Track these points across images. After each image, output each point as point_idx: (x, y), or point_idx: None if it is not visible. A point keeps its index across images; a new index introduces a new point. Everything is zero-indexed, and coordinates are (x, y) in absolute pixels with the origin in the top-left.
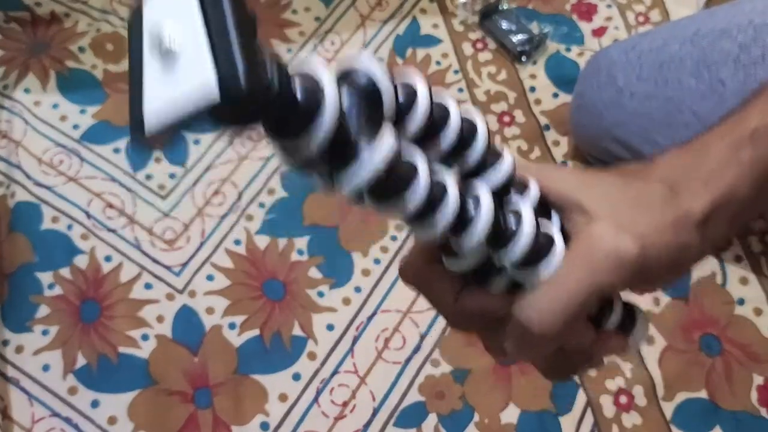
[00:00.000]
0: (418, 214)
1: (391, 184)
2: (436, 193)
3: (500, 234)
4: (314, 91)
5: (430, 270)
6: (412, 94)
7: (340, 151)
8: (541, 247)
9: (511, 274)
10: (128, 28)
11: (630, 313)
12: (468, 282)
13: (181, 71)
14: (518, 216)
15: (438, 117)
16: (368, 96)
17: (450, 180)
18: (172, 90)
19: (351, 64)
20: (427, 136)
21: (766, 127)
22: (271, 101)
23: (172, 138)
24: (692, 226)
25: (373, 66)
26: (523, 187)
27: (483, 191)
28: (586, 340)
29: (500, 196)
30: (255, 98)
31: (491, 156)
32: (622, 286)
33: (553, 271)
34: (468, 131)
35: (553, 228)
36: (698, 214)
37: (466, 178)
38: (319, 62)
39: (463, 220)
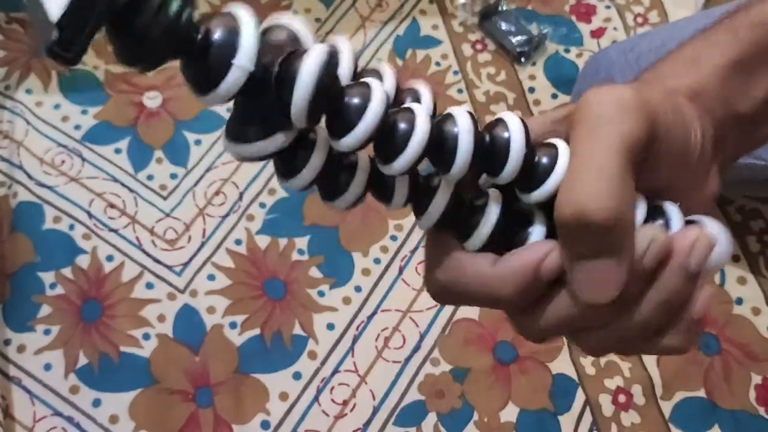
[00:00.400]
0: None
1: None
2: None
3: (491, 159)
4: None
5: (456, 259)
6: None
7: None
8: (544, 155)
9: (534, 211)
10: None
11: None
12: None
13: None
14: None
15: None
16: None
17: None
18: None
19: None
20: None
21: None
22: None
23: (87, 28)
24: (683, 98)
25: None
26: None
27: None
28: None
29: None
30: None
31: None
32: (643, 138)
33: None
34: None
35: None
36: (683, 88)
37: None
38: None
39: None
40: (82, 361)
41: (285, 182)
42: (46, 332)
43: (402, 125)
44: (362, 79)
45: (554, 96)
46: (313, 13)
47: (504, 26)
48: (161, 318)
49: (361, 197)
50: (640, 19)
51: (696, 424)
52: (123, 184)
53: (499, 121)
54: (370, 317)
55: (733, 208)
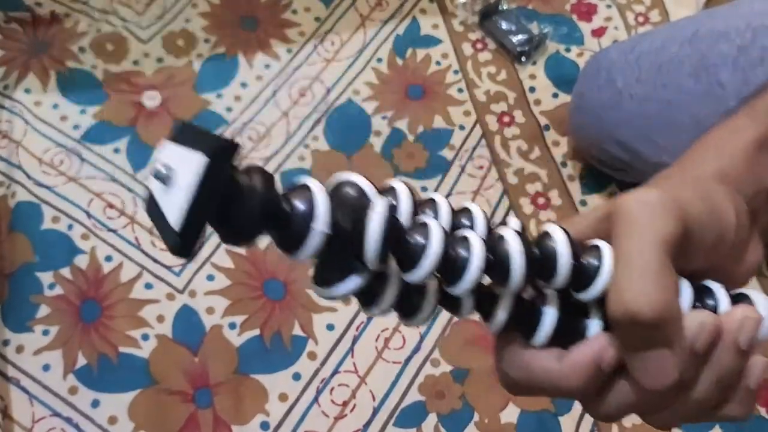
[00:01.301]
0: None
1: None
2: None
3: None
4: (306, 203)
5: (523, 357)
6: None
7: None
8: (589, 263)
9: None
10: (147, 203)
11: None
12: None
13: (179, 184)
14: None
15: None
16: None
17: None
18: (178, 196)
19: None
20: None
21: None
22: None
23: (202, 229)
24: (712, 182)
25: (359, 179)
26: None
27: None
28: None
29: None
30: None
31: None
32: (677, 234)
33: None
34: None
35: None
36: (711, 173)
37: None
38: (310, 180)
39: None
40: (81, 361)
41: (368, 311)
42: (45, 333)
43: (461, 254)
44: (421, 218)
45: (555, 95)
46: (313, 12)
47: (504, 25)
48: (160, 318)
49: (433, 312)
50: (641, 19)
51: (696, 424)
52: (122, 184)
53: (546, 235)
54: (369, 318)
55: None
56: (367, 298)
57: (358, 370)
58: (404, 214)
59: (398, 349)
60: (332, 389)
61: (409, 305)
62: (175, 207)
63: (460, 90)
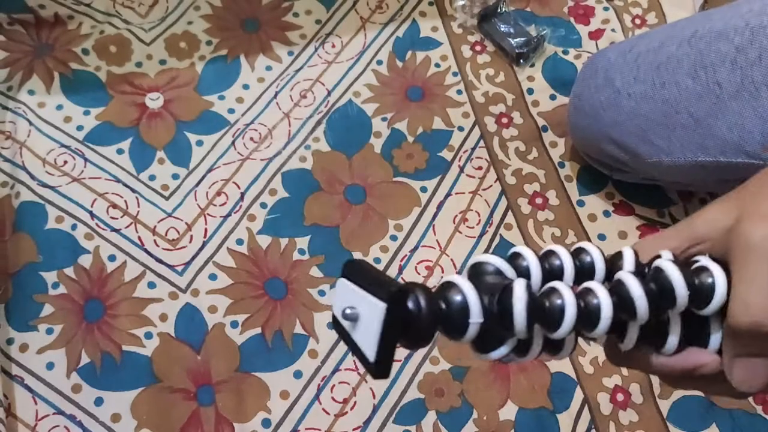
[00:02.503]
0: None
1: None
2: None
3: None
4: (459, 303)
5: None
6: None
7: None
8: (702, 282)
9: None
10: (334, 324)
11: None
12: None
13: (365, 322)
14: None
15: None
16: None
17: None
18: (367, 332)
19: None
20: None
21: None
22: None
23: (392, 357)
24: None
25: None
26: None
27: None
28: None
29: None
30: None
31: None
32: None
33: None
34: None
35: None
36: None
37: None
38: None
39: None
40: (85, 360)
41: (521, 360)
42: (49, 331)
43: (592, 303)
44: (551, 284)
45: (552, 97)
46: (314, 15)
47: (503, 28)
48: (163, 317)
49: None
50: (638, 21)
51: (694, 422)
52: (125, 185)
53: (659, 271)
54: None
55: None
56: (520, 353)
57: (358, 368)
58: (535, 278)
59: (397, 348)
60: (333, 387)
61: (553, 348)
62: (367, 344)
63: (459, 92)
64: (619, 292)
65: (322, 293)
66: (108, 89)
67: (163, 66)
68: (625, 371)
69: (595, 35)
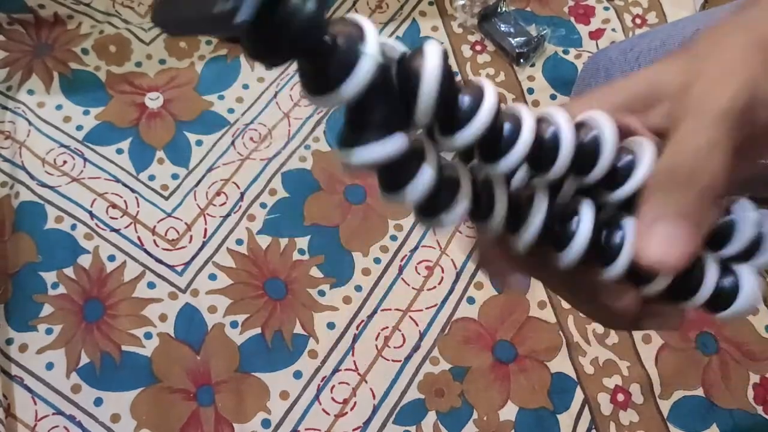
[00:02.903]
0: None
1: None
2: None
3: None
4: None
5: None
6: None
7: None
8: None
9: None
10: None
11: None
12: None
13: None
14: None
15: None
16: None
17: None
18: None
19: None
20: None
21: None
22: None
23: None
24: None
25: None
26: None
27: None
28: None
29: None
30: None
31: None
32: (742, 129)
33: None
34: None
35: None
36: None
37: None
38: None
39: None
40: (84, 360)
41: (394, 196)
42: (48, 331)
43: (509, 124)
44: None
45: (553, 97)
46: None
47: (503, 27)
48: (163, 317)
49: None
50: (638, 20)
51: (694, 422)
52: (125, 185)
53: (585, 124)
54: (370, 316)
55: None
56: (399, 177)
57: (359, 368)
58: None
59: (398, 348)
60: (333, 387)
61: (438, 200)
62: None
63: None
64: (542, 124)
65: (322, 293)
66: (107, 89)
67: (163, 66)
68: (625, 371)
69: (596, 35)
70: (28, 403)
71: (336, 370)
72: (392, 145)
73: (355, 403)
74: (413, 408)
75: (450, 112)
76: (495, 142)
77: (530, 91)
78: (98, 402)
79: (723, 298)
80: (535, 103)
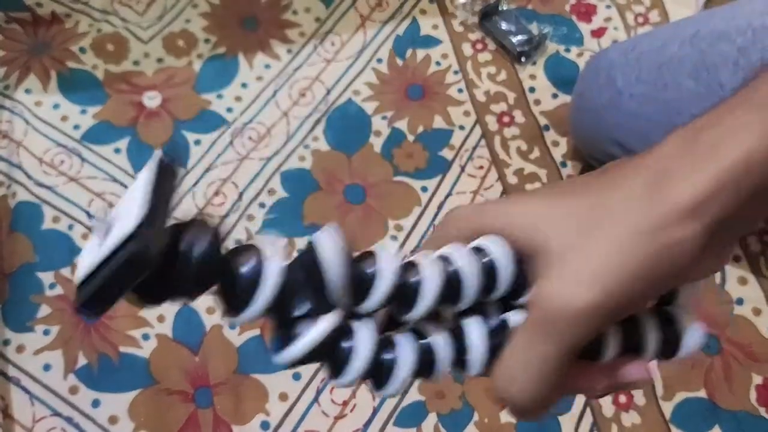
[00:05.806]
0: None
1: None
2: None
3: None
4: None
5: None
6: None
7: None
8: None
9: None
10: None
11: (667, 324)
12: None
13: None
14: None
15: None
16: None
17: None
18: (99, 251)
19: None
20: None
21: None
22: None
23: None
24: (676, 221)
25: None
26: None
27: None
28: (594, 383)
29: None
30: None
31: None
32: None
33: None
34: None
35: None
36: (686, 202)
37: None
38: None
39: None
40: (82, 361)
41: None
42: (46, 332)
43: (414, 280)
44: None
45: (554, 96)
46: (313, 13)
47: (504, 26)
48: (161, 318)
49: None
50: (640, 19)
51: (697, 424)
52: (122, 184)
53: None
54: None
55: None
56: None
57: None
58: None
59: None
60: (332, 389)
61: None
62: (91, 262)
63: (460, 90)
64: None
65: None
66: (105, 88)
67: (161, 64)
68: None
69: (598, 33)
70: (26, 404)
71: None
72: (318, 331)
73: (354, 404)
74: (413, 410)
75: (357, 289)
76: (402, 301)
77: (532, 90)
78: (96, 403)
79: (670, 345)
80: (537, 102)
